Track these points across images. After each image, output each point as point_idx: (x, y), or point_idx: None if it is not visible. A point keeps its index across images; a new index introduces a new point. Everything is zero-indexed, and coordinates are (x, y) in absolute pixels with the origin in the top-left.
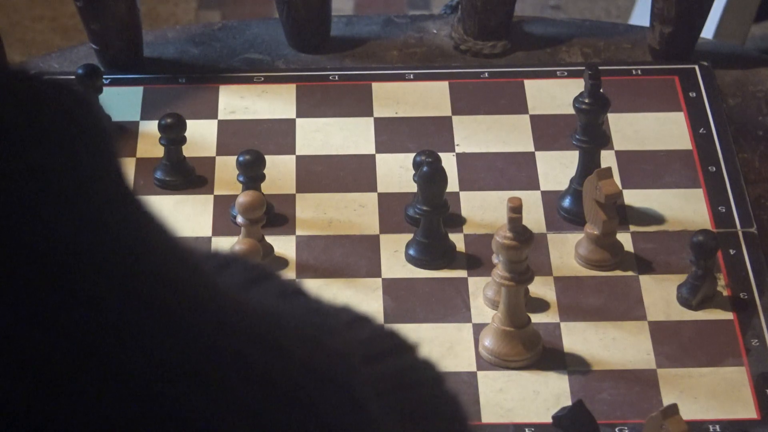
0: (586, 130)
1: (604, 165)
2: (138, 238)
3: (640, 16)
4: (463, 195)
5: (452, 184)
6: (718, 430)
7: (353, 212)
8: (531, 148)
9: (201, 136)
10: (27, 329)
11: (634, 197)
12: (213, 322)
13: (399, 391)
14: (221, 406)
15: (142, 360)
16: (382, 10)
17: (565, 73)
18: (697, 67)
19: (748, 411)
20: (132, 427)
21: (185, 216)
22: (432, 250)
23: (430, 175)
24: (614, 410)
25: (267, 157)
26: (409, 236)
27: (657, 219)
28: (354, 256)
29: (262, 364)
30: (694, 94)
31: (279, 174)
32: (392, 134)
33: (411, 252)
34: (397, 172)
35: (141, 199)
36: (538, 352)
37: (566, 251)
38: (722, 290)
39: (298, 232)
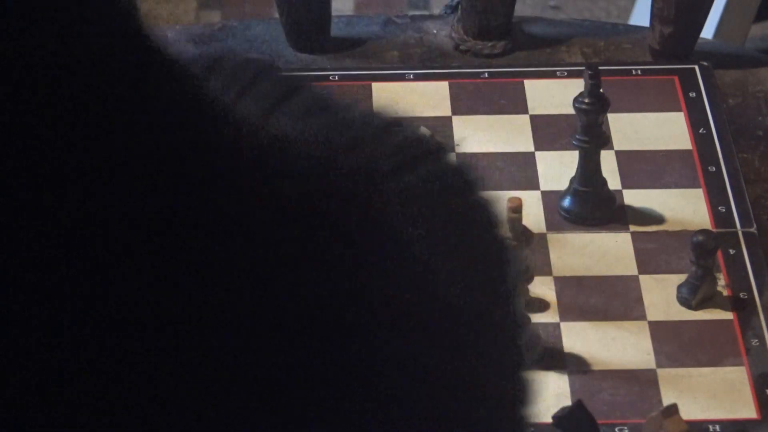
0: (586, 130)
1: (604, 166)
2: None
3: (640, 16)
4: None
5: None
6: (718, 430)
7: None
8: (531, 148)
9: None
10: None
11: (634, 197)
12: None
13: (429, 199)
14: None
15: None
16: (382, 10)
17: (565, 73)
18: (697, 67)
19: (748, 411)
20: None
21: None
22: None
23: None
24: (614, 410)
25: None
26: None
27: (657, 219)
28: None
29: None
30: (694, 94)
31: None
32: None
33: None
34: None
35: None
36: (537, 352)
37: (566, 251)
38: (722, 290)
39: None
